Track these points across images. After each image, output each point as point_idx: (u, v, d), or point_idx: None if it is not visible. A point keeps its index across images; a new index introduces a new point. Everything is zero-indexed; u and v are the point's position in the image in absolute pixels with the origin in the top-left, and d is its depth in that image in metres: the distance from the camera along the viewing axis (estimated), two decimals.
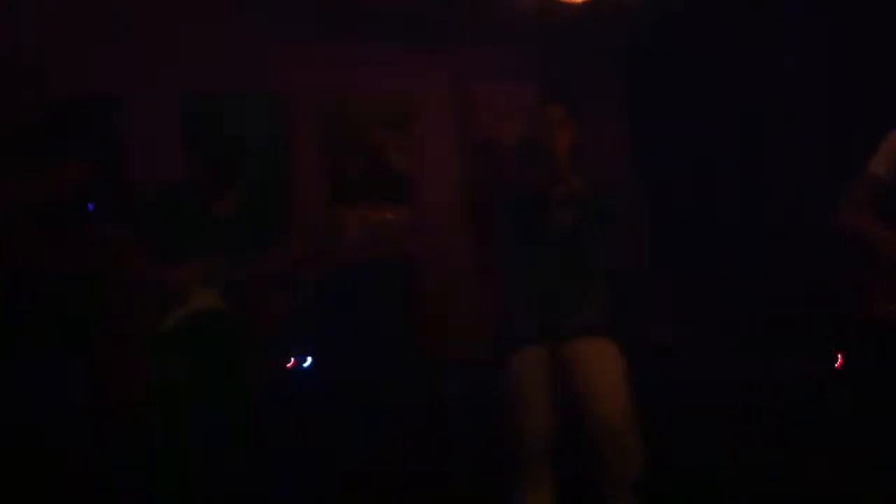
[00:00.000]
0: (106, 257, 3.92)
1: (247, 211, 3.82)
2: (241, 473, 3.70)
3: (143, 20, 4.93)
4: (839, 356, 4.42)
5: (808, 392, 4.38)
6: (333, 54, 5.12)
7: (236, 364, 3.70)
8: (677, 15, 5.30)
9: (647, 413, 3.33)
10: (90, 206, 4.47)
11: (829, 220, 3.40)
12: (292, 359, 4.57)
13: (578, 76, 5.29)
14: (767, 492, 3.97)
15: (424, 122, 5.38)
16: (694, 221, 5.33)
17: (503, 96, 5.39)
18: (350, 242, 3.92)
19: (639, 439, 3.27)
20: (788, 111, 5.00)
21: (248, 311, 3.78)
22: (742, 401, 4.48)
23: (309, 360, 4.60)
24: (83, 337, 4.52)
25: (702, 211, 5.33)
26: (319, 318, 4.81)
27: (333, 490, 4.32)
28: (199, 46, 4.90)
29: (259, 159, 4.91)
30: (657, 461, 3.31)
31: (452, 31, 5.20)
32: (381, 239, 3.95)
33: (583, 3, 4.95)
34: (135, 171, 4.70)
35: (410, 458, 4.49)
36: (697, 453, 4.17)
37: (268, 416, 4.11)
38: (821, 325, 4.50)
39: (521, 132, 4.50)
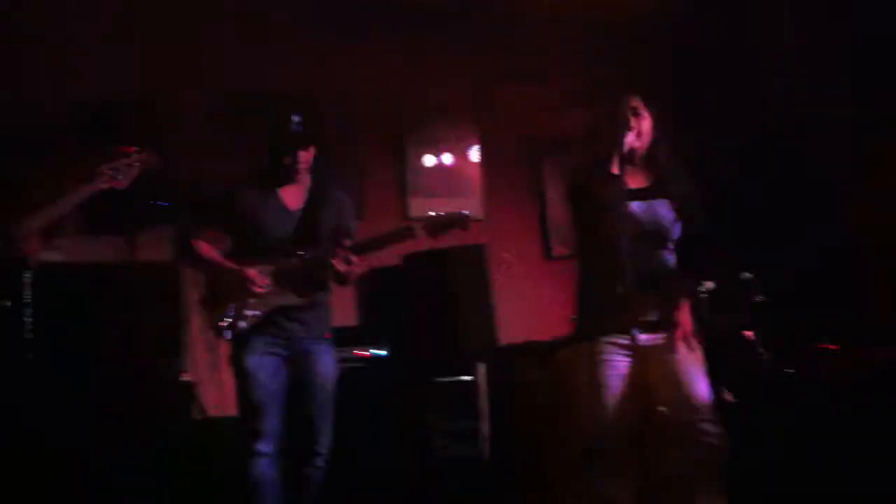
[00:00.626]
0: (179, 253, 3.98)
1: (317, 205, 3.85)
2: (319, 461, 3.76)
3: (183, 21, 5.01)
4: None
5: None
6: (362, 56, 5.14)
7: (311, 357, 3.74)
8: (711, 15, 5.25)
9: None
10: (161, 203, 4.55)
11: None
12: (368, 350, 4.62)
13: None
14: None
15: (491, 115, 5.38)
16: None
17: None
18: (420, 235, 3.93)
19: (720, 431, 3.28)
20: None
21: (323, 305, 3.82)
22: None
23: (384, 351, 4.65)
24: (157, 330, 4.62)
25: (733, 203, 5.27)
26: (392, 309, 4.87)
27: (415, 477, 4.39)
28: (238, 47, 4.98)
29: (328, 155, 4.98)
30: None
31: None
32: (451, 231, 3.96)
33: None
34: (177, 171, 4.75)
35: (490, 445, 4.55)
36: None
37: (345, 408, 4.17)
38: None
39: (594, 122, 4.48)
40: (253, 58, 5.08)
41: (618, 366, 3.37)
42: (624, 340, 3.36)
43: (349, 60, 5.21)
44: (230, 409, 3.85)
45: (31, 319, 3.77)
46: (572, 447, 3.51)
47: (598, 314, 3.41)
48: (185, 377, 4.65)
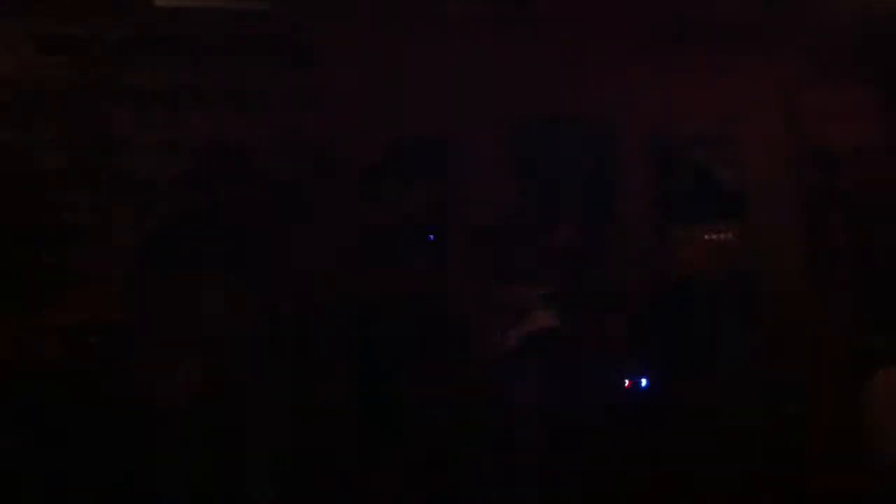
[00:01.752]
0: (444, 281, 4.09)
1: (581, 233, 3.88)
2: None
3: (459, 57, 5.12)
4: None
5: None
6: (654, 70, 5.08)
7: (574, 382, 3.76)
8: None
9: None
10: (431, 237, 4.72)
11: None
12: (629, 379, 4.58)
13: None
14: None
15: (754, 135, 5.20)
16: None
17: (837, 102, 5.11)
18: (682, 262, 3.88)
19: None
20: None
21: (585, 331, 3.83)
22: None
23: (645, 380, 4.58)
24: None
25: None
26: (656, 337, 4.80)
27: None
28: (521, 75, 5.05)
29: (589, 183, 5.00)
30: None
31: (778, 35, 5.01)
32: (714, 258, 3.87)
33: None
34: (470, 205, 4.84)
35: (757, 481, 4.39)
36: None
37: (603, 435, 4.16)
38: None
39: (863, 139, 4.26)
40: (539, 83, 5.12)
41: None
42: None
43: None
44: None
45: None
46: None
47: (881, 344, 3.25)
48: None
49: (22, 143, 4.33)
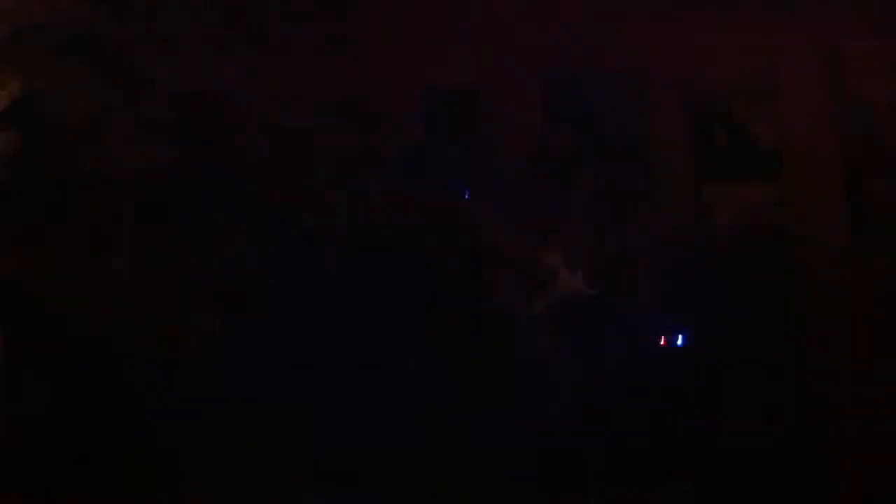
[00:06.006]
0: (480, 237, 4.04)
1: (609, 188, 3.82)
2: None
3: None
4: None
5: None
6: (690, 22, 5.01)
7: (606, 344, 3.72)
8: None
9: None
10: (466, 194, 4.67)
11: None
12: (664, 337, 4.53)
13: None
14: None
15: (792, 89, 5.11)
16: None
17: (881, 54, 5.01)
18: (718, 219, 3.82)
19: None
20: None
21: (614, 292, 3.78)
22: None
23: (681, 337, 4.54)
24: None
25: None
26: (690, 295, 4.75)
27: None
28: (559, 26, 4.99)
29: (622, 136, 4.94)
30: None
31: None
32: (750, 215, 3.81)
33: None
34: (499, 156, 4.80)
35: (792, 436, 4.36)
36: None
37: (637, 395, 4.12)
38: None
39: None
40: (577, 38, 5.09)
41: None
42: None
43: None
44: None
45: None
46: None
47: None
48: None
49: (54, 90, 4.30)
